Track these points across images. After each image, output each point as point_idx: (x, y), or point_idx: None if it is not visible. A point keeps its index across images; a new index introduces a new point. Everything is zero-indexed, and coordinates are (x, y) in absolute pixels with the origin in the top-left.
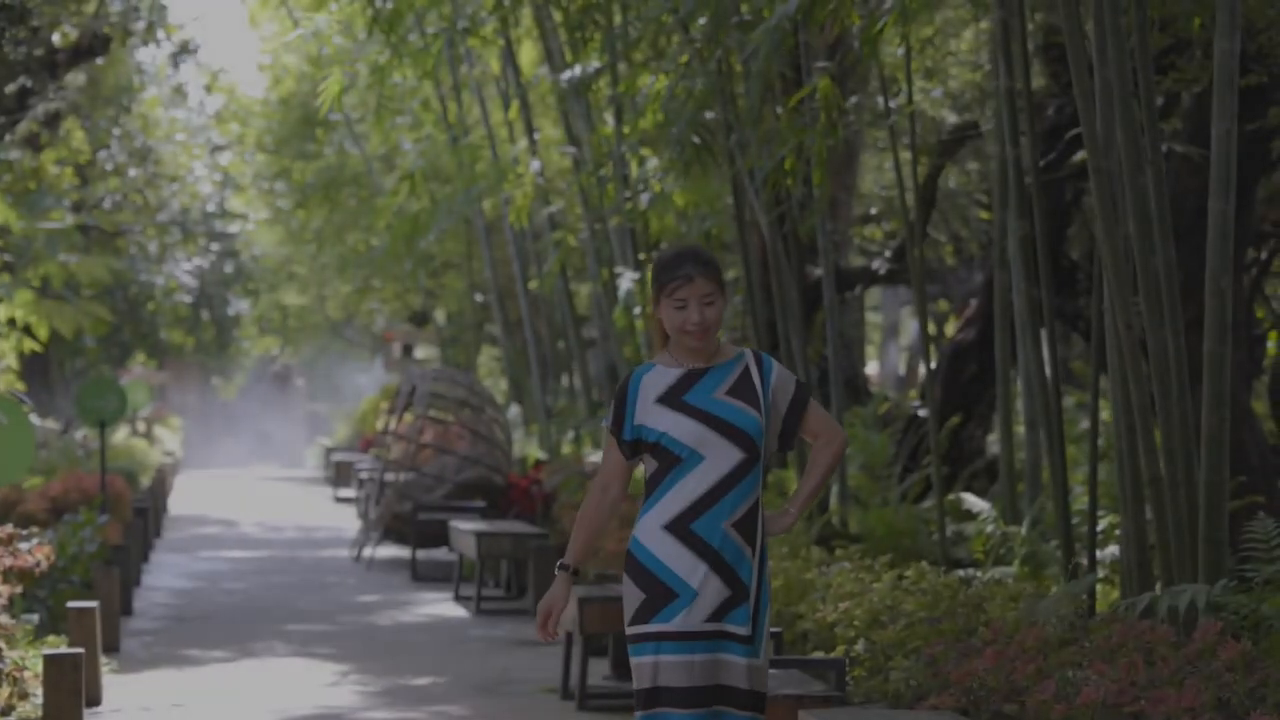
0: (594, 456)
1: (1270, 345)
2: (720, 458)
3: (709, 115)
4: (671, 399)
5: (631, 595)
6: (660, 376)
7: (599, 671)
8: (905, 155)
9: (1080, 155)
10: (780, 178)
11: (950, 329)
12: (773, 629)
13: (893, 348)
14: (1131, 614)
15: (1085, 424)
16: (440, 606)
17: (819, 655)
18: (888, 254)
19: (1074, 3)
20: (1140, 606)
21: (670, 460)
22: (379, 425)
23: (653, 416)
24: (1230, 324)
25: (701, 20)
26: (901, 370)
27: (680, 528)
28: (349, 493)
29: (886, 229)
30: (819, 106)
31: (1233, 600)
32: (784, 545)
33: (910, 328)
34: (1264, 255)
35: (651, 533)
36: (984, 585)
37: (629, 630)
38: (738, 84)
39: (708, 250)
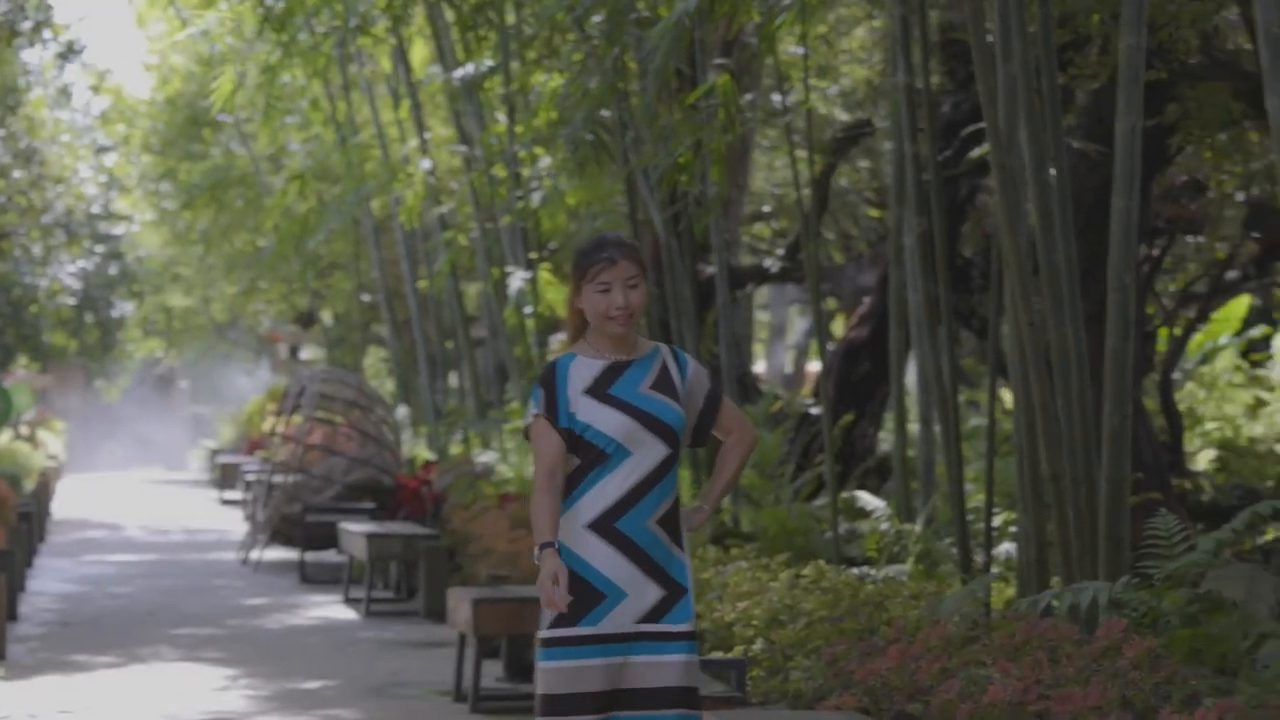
0: (483, 457)
1: (1160, 342)
2: (647, 454)
3: (604, 114)
4: (598, 391)
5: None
6: (584, 367)
7: (492, 673)
8: (800, 153)
9: (977, 151)
10: (677, 175)
11: (838, 328)
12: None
13: (779, 346)
14: (1033, 612)
15: (974, 421)
16: (329, 609)
17: (718, 655)
18: (780, 252)
19: None
20: (1042, 604)
21: (594, 456)
22: (265, 427)
23: (580, 408)
24: (1132, 320)
25: (597, 18)
26: (789, 369)
27: (604, 526)
28: (235, 495)
29: (775, 227)
30: (718, 103)
31: (1134, 597)
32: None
33: (797, 326)
34: (1156, 251)
35: (573, 533)
36: (883, 584)
37: (547, 634)
38: (632, 82)
39: (629, 237)
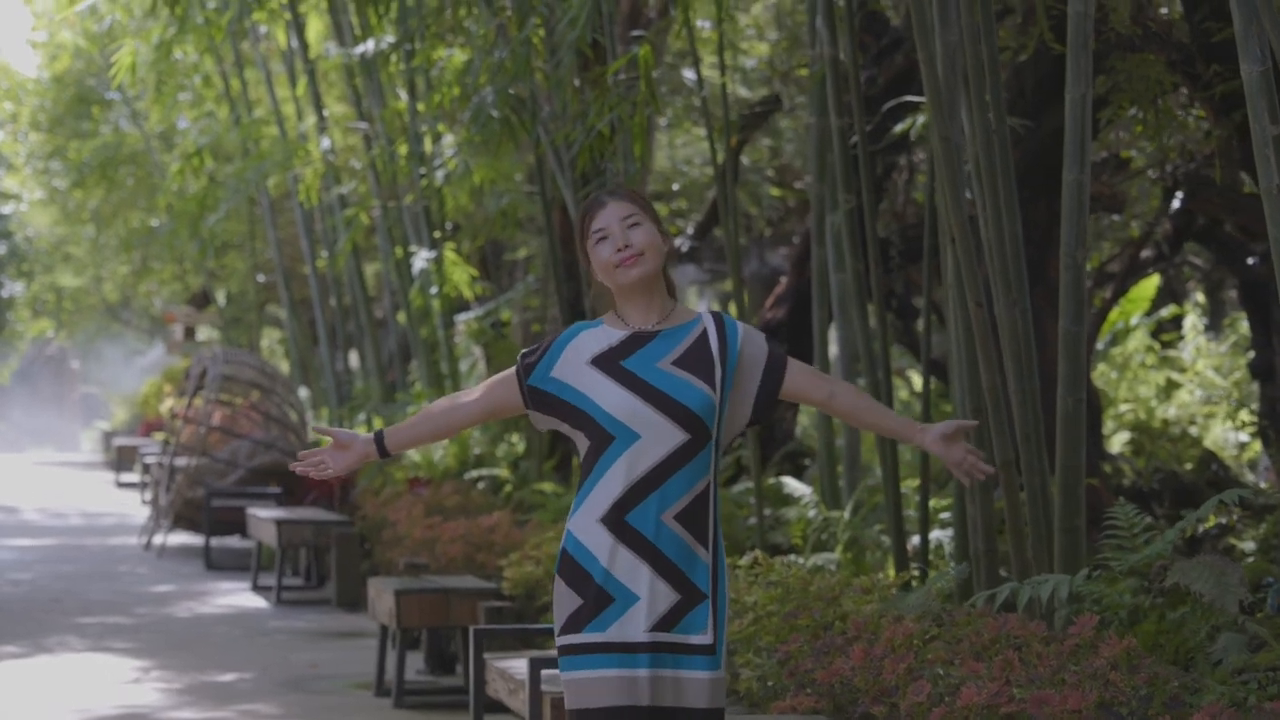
0: None
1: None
2: (658, 438)
3: (513, 90)
4: (607, 362)
5: (564, 599)
6: (602, 335)
7: (413, 666)
8: (707, 130)
9: (900, 127)
10: (598, 151)
11: (734, 309)
12: None
13: None
14: (991, 606)
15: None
16: (238, 596)
17: None
18: (689, 231)
19: None
20: (1001, 598)
21: (601, 438)
22: (163, 409)
23: (583, 379)
24: (1085, 300)
25: None
26: None
27: (614, 520)
28: (132, 478)
29: (674, 206)
30: (639, 75)
31: (1095, 589)
32: None
33: (698, 305)
34: None
35: (586, 526)
36: (831, 575)
37: (559, 641)
38: (539, 57)
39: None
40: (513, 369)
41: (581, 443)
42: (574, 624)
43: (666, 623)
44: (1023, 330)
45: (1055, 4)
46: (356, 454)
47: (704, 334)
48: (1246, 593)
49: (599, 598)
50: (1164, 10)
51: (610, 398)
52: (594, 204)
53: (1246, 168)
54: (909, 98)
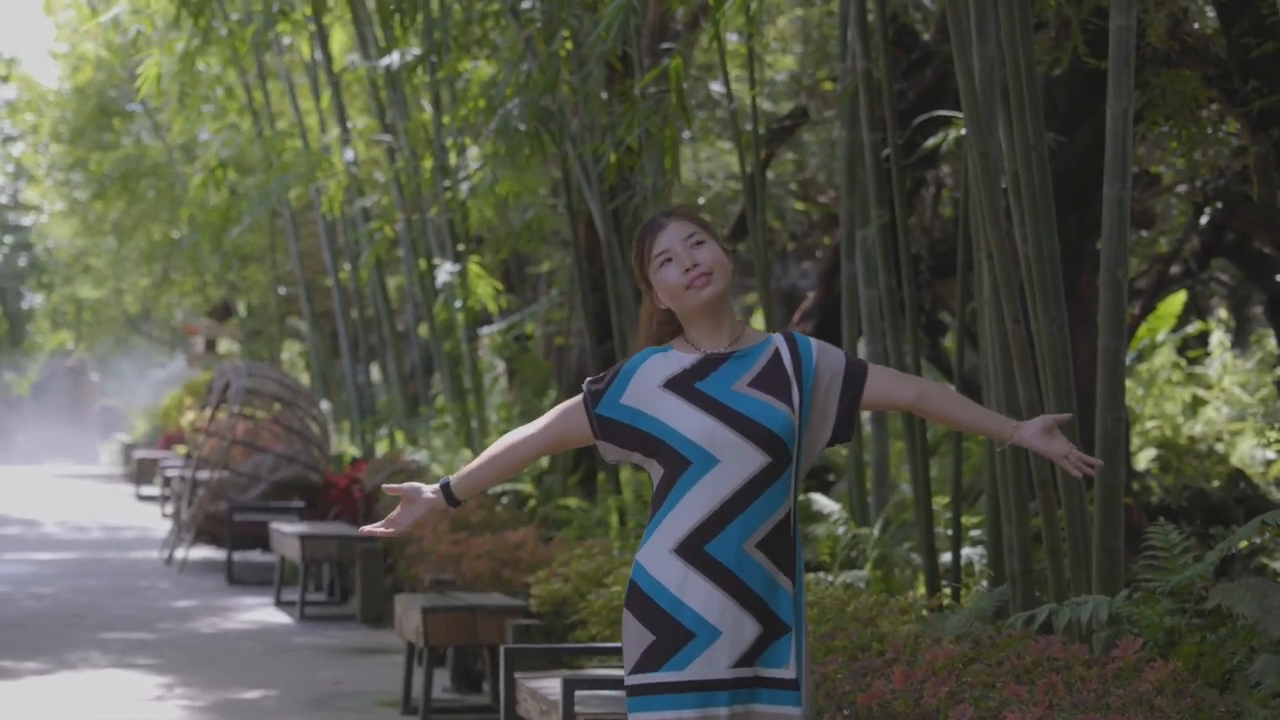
0: (413, 455)
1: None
2: (738, 462)
3: (542, 102)
4: (681, 385)
5: (635, 636)
6: (673, 359)
7: (439, 683)
8: (733, 143)
9: (931, 141)
10: (629, 164)
11: (757, 322)
12: None
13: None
14: (1031, 628)
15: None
16: (261, 612)
17: None
18: None
19: None
20: (1040, 619)
21: (677, 464)
22: (183, 422)
23: (656, 403)
24: (1124, 317)
25: (525, 4)
26: None
27: (692, 550)
28: (152, 491)
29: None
30: (670, 88)
31: (1136, 611)
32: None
33: None
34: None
35: (658, 558)
36: (870, 596)
37: (630, 680)
38: (567, 69)
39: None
40: (578, 398)
41: (654, 471)
42: (649, 662)
43: (749, 657)
44: (1061, 347)
45: (1090, 18)
46: (424, 506)
47: (777, 354)
48: None
49: (676, 634)
50: (1196, 25)
51: (687, 422)
52: (652, 227)
53: None
54: (940, 112)
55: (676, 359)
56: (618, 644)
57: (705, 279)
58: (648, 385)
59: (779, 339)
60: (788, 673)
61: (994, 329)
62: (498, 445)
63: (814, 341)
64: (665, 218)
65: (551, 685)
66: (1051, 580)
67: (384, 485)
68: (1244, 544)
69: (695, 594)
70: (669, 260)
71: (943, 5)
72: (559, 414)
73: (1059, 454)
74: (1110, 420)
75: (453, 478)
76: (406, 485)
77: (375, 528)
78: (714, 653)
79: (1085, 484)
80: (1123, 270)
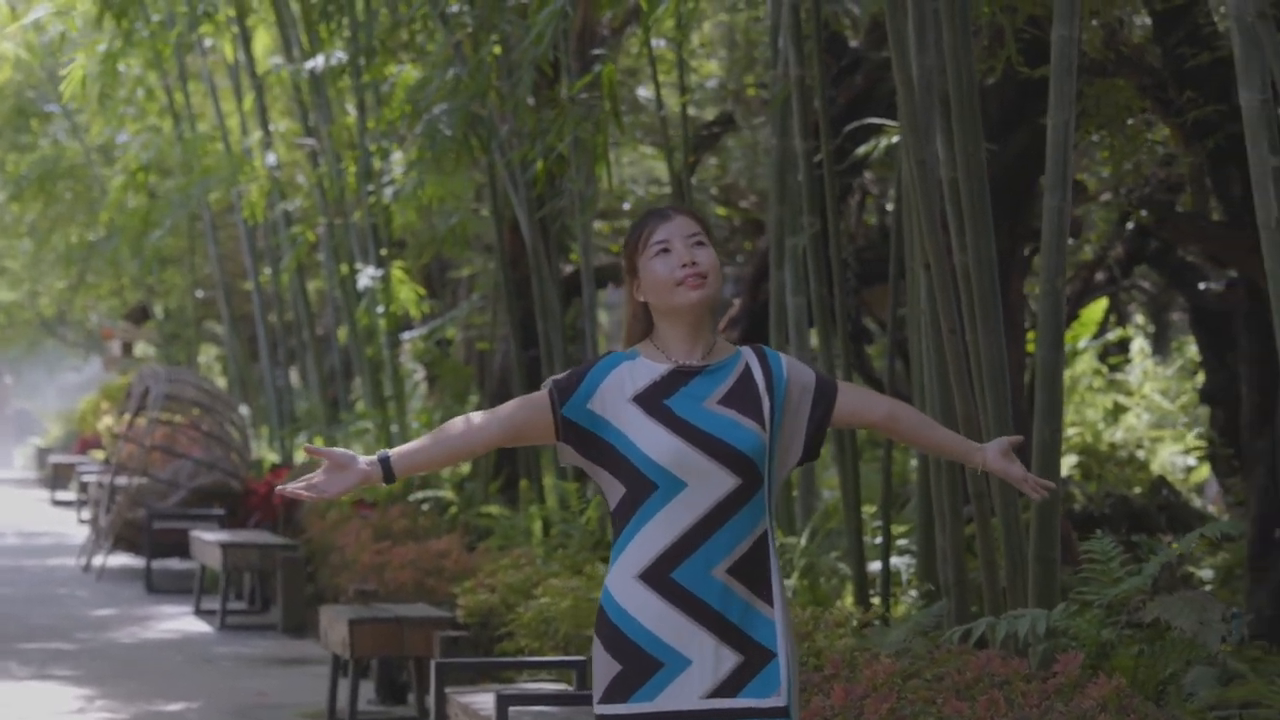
0: None
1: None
2: (707, 485)
3: (471, 107)
4: (650, 401)
5: (604, 664)
6: (641, 369)
7: (364, 695)
8: (658, 149)
9: (863, 148)
10: (558, 171)
11: None
12: (572, 658)
13: (617, 346)
14: (968, 642)
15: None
16: (182, 621)
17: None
18: None
19: None
20: (977, 633)
21: (640, 485)
22: (100, 426)
23: (622, 417)
24: (1063, 327)
25: (454, 8)
26: None
27: (657, 577)
28: (68, 496)
29: (617, 225)
30: (603, 95)
31: (1073, 624)
32: (565, 560)
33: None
34: (1028, 252)
35: (624, 585)
36: (806, 610)
37: (599, 710)
38: (496, 75)
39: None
40: (543, 393)
41: (612, 487)
42: (617, 692)
43: (730, 687)
44: (998, 358)
45: (1024, 27)
46: (356, 476)
47: (748, 369)
48: (1227, 629)
49: (645, 663)
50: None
51: (653, 442)
52: (656, 215)
53: (1217, 194)
54: (872, 119)
55: (645, 369)
56: (550, 658)
57: (700, 280)
58: (615, 396)
59: (749, 353)
60: (778, 700)
61: (929, 339)
62: (448, 428)
63: (784, 356)
64: (672, 210)
65: (485, 700)
66: (987, 591)
67: (306, 447)
68: (1176, 549)
69: (663, 622)
70: (666, 251)
71: (875, 12)
72: (520, 407)
73: (1018, 478)
74: (1048, 432)
75: (392, 452)
76: (337, 450)
77: (297, 488)
78: (684, 683)
79: (1019, 495)
80: (1062, 280)
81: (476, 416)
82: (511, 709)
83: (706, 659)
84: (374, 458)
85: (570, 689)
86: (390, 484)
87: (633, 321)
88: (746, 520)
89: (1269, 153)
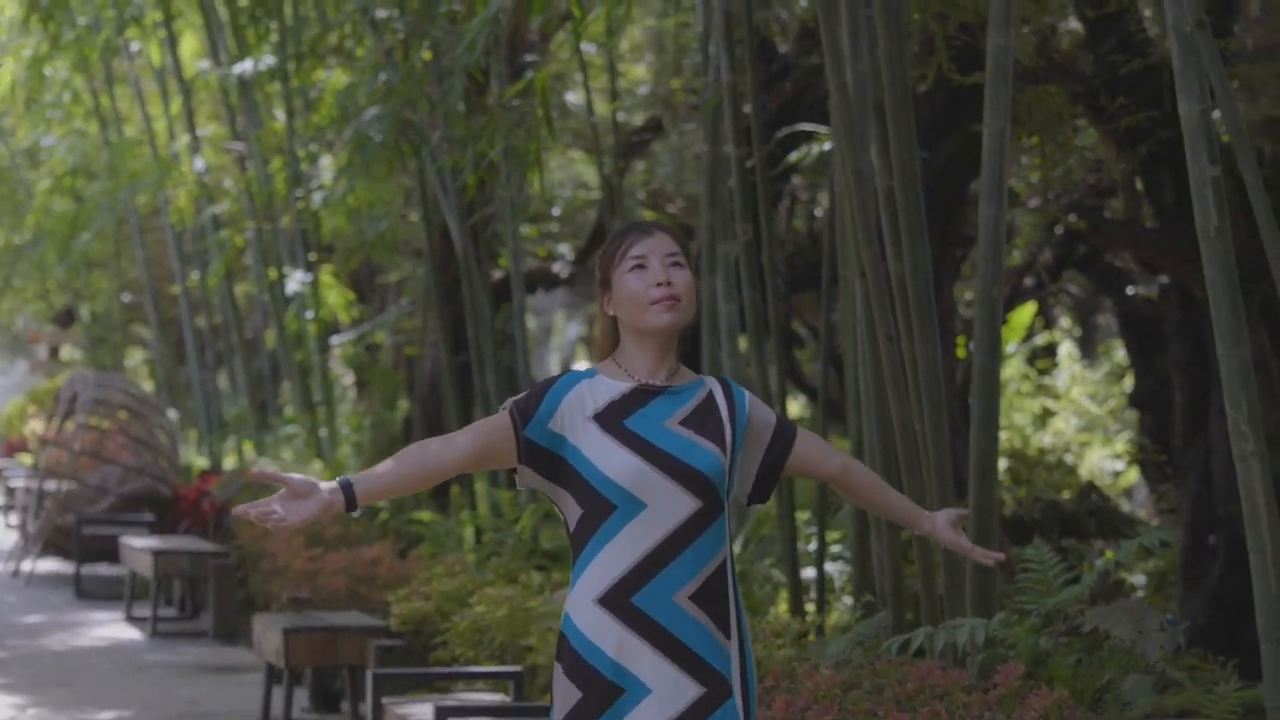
0: (264, 465)
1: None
2: (666, 508)
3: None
4: (609, 420)
5: (563, 691)
6: (601, 387)
7: (298, 703)
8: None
9: (795, 155)
10: (489, 178)
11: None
12: (509, 668)
13: (546, 350)
14: (905, 651)
15: None
16: (112, 628)
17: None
18: (569, 257)
19: None
20: (916, 643)
21: (599, 507)
22: (26, 430)
23: (581, 436)
24: (999, 336)
25: (383, 13)
26: (556, 371)
27: (616, 602)
28: None
29: (545, 229)
30: (536, 101)
31: (1011, 634)
32: (499, 569)
33: (565, 330)
34: (960, 258)
35: (583, 610)
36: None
37: None
38: (426, 81)
39: None
40: (504, 415)
41: (570, 508)
42: (577, 719)
43: (691, 718)
44: (934, 365)
45: (955, 34)
46: (317, 504)
47: (710, 395)
48: (1165, 638)
49: (604, 690)
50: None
51: (612, 461)
52: (635, 230)
53: (1150, 201)
54: (804, 126)
55: (605, 387)
56: (487, 669)
57: (673, 303)
58: (575, 414)
59: (713, 382)
60: None
61: (865, 346)
62: (412, 453)
63: (747, 392)
64: (654, 226)
65: (423, 711)
66: (924, 600)
67: (260, 472)
68: (1109, 556)
69: (622, 649)
70: (641, 268)
71: (806, 18)
72: (483, 429)
73: (965, 550)
74: (985, 440)
75: (354, 479)
76: (295, 477)
77: (259, 515)
78: (644, 711)
79: (958, 503)
80: (998, 289)
81: (435, 443)
82: None
83: (666, 688)
84: (335, 484)
85: (508, 700)
86: (352, 511)
87: (604, 337)
88: (708, 546)
89: (1208, 163)
